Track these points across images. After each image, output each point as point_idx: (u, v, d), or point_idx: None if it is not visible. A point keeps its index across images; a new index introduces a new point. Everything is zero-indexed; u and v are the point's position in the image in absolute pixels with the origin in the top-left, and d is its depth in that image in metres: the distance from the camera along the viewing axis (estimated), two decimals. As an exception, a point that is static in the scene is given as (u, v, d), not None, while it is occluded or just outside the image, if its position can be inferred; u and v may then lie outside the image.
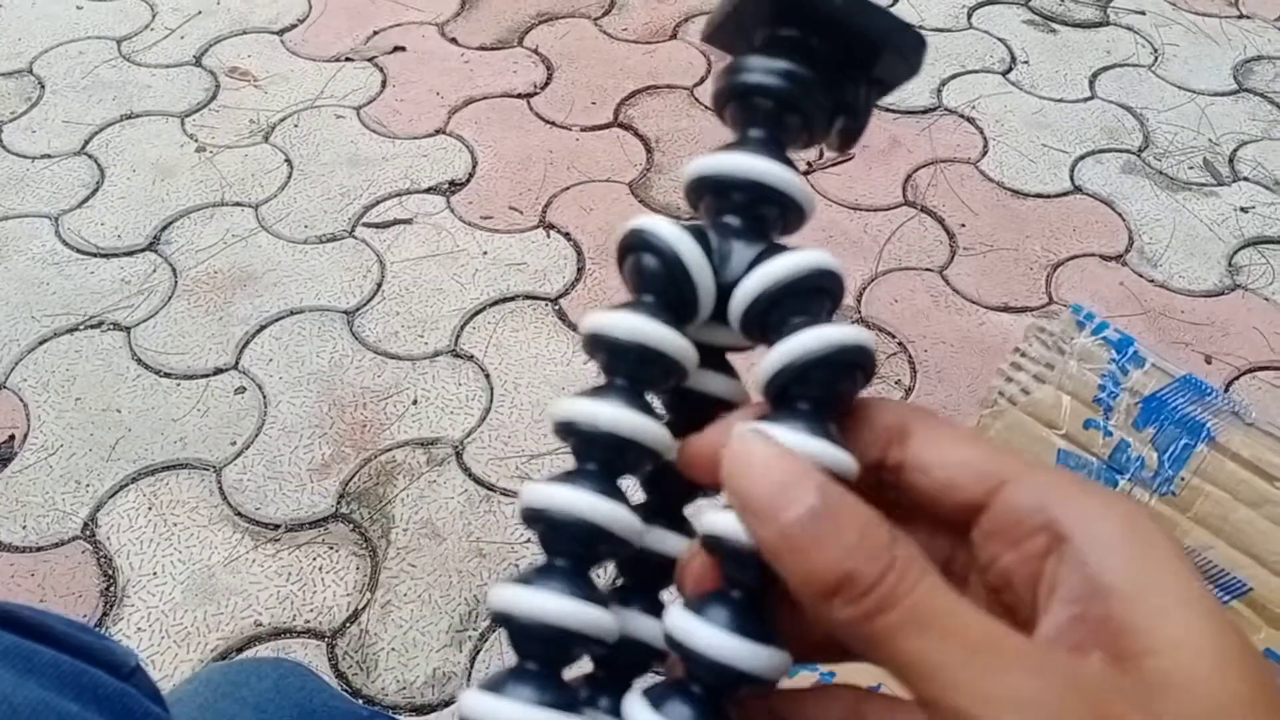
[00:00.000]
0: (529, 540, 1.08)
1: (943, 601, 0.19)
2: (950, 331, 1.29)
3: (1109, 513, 0.20)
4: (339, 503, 1.11)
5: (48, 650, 0.40)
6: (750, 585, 0.23)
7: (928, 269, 1.36)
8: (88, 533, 1.08)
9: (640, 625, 0.27)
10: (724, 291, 0.26)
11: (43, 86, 1.59)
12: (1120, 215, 1.45)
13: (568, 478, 0.25)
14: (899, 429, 0.23)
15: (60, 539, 1.07)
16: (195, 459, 1.14)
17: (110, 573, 1.05)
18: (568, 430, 0.26)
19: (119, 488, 1.11)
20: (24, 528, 1.08)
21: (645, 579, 0.28)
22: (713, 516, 0.24)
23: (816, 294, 0.25)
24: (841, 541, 0.19)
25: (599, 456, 0.25)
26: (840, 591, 0.19)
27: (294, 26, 1.72)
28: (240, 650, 0.99)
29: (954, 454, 0.22)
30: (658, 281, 0.26)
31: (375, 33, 1.71)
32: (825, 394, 0.24)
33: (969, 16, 1.80)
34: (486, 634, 1.01)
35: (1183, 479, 0.49)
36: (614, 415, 0.25)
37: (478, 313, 1.30)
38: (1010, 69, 1.70)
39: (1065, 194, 1.48)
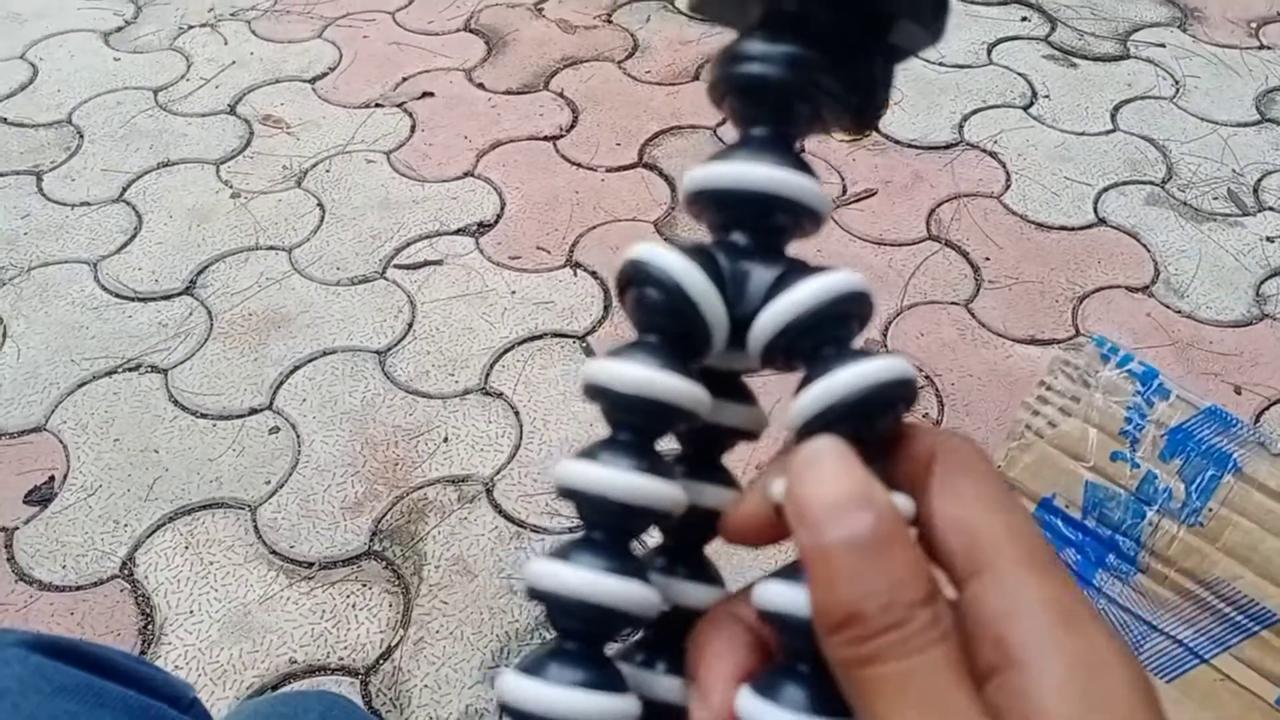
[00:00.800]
0: (559, 577, 1.09)
1: (936, 681, 0.18)
2: (977, 364, 1.29)
3: (1066, 652, 0.19)
4: (372, 540, 1.12)
5: (115, 685, 0.41)
6: (816, 657, 0.21)
7: (953, 303, 1.37)
8: (126, 571, 1.09)
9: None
10: (740, 320, 0.23)
11: (81, 136, 1.63)
12: (1145, 247, 1.45)
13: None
14: (925, 462, 0.22)
15: (99, 578, 1.09)
16: (231, 498, 1.15)
17: (148, 611, 1.06)
18: (572, 495, 0.24)
19: (156, 527, 1.13)
20: (64, 567, 1.10)
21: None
22: (771, 590, 0.22)
23: (845, 320, 0.23)
24: (871, 581, 0.19)
25: (606, 524, 0.23)
26: (843, 629, 0.19)
27: (325, 75, 1.76)
28: (275, 687, 1.00)
29: (952, 510, 0.21)
30: (662, 318, 0.23)
31: (404, 79, 1.75)
32: (867, 434, 0.22)
33: (989, 52, 1.82)
34: (518, 671, 1.02)
35: (1210, 510, 0.49)
36: (625, 482, 0.23)
37: (507, 351, 1.31)
38: (1031, 103, 1.71)
39: (1089, 226, 1.49)
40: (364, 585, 1.08)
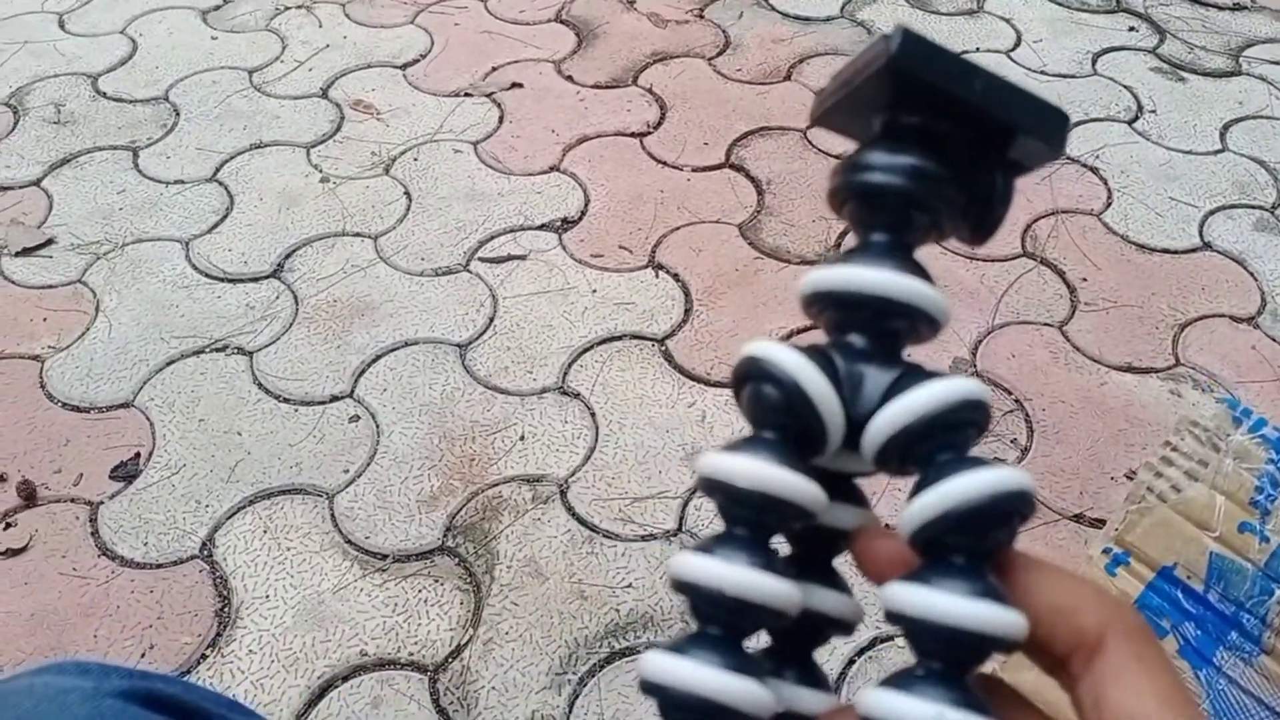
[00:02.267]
0: (630, 585, 1.08)
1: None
2: (1070, 390, 1.25)
3: None
4: (445, 535, 1.12)
5: None
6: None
7: (1046, 324, 1.33)
8: (205, 552, 1.11)
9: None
10: (855, 422, 0.24)
11: (178, 113, 1.66)
12: (1252, 275, 1.40)
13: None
14: (1095, 638, 0.22)
15: (179, 557, 1.11)
16: (309, 485, 1.17)
17: (225, 594, 1.08)
18: (687, 589, 0.24)
19: (237, 509, 1.15)
20: (145, 544, 1.12)
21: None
22: (881, 699, 0.22)
23: (961, 427, 0.23)
24: None
25: (720, 620, 0.24)
26: None
27: (416, 61, 1.77)
28: (346, 679, 1.01)
29: (1132, 709, 0.21)
30: (779, 415, 0.24)
31: (494, 69, 1.75)
32: (983, 545, 0.22)
33: (1094, 62, 1.76)
34: (585, 679, 1.01)
35: (1347, 591, 0.46)
36: (742, 579, 0.23)
37: (585, 351, 1.31)
38: (1137, 118, 1.65)
39: (1194, 250, 1.43)
40: (436, 581, 1.09)
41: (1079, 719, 0.22)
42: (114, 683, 0.40)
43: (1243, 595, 0.48)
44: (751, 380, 0.24)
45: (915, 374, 0.23)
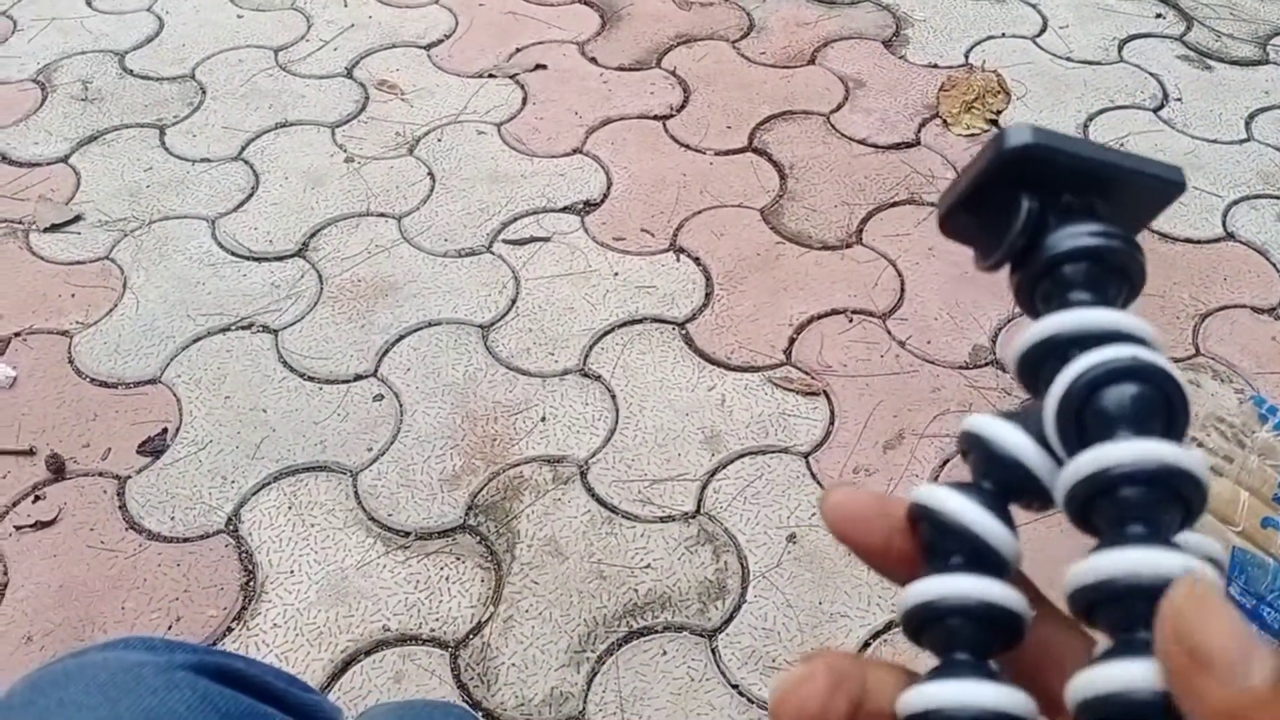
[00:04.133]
0: (649, 566, 1.09)
1: None
2: (1088, 380, 1.25)
3: None
4: (467, 514, 1.14)
5: (276, 713, 0.42)
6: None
7: (1066, 313, 1.33)
8: (231, 527, 1.13)
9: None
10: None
11: (204, 92, 1.67)
12: (1275, 265, 1.39)
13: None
14: None
15: (205, 532, 1.13)
16: (334, 462, 1.18)
17: (250, 568, 1.10)
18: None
19: (262, 485, 1.16)
20: (172, 518, 1.14)
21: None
22: (1096, 675, 0.20)
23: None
24: None
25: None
26: None
27: (440, 41, 1.77)
28: (369, 653, 1.03)
29: None
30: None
31: (518, 50, 1.75)
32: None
33: (1120, 49, 1.75)
34: (604, 657, 1.03)
35: (1367, 586, 0.47)
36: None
37: (607, 333, 1.31)
38: (1162, 106, 1.64)
39: (1216, 240, 1.43)
40: (458, 559, 1.10)
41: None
42: (182, 657, 0.42)
43: (1264, 589, 0.49)
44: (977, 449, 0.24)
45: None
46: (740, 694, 1.00)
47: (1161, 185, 0.24)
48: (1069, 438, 0.22)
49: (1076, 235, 0.24)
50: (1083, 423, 0.22)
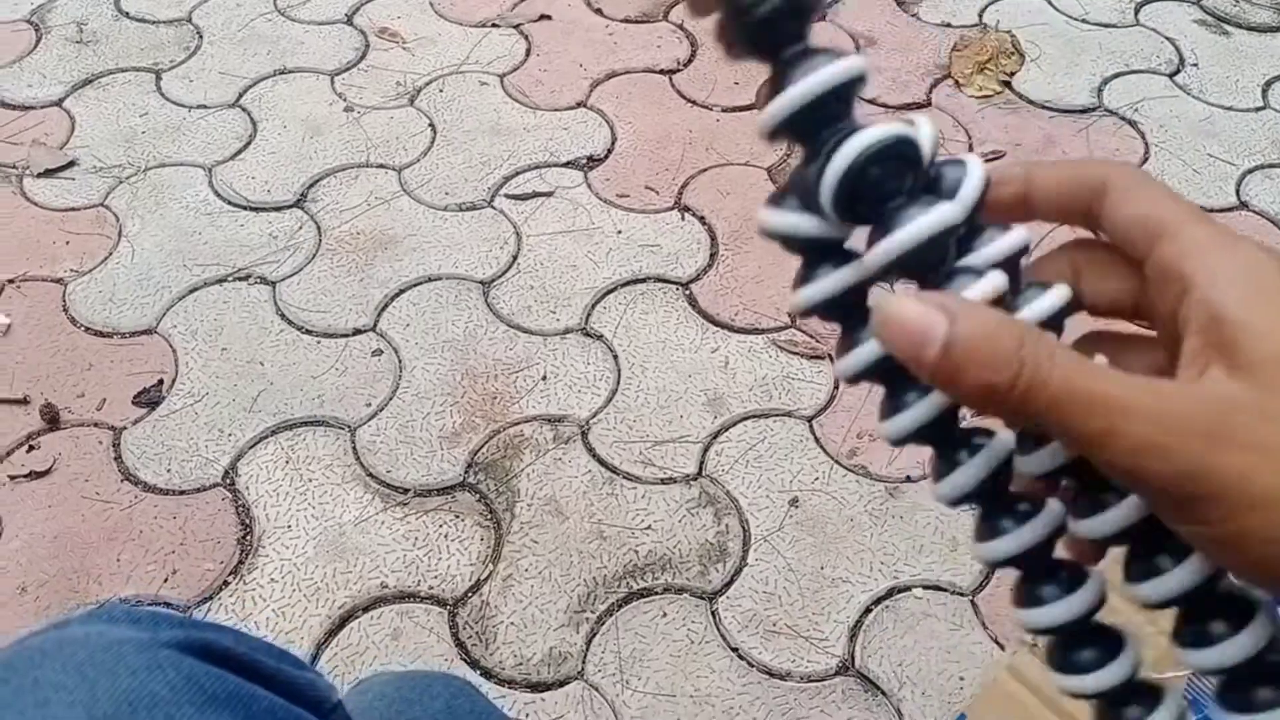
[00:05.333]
0: (649, 527, 1.08)
1: (1077, 377, 0.22)
2: (1096, 348, 1.24)
3: (1231, 260, 0.24)
4: (467, 472, 1.12)
5: (265, 694, 0.41)
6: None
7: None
8: (228, 481, 1.12)
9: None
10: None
11: (201, 36, 1.63)
12: (1288, 236, 1.37)
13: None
14: (1100, 185, 0.28)
15: (202, 484, 1.11)
16: (332, 417, 1.17)
17: (247, 522, 1.09)
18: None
19: (259, 439, 1.15)
20: (168, 470, 1.12)
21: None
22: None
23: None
24: (975, 362, 0.23)
25: None
26: (991, 400, 0.23)
27: (443, -11, 1.73)
28: (366, 610, 1.02)
29: (1132, 210, 0.27)
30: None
31: (522, -1, 1.71)
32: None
33: (1136, 13, 1.72)
34: (604, 618, 1.02)
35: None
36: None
37: (609, 292, 1.30)
38: (1178, 71, 1.61)
39: (1230, 209, 1.41)
40: (457, 516, 1.09)
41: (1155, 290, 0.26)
42: (167, 633, 0.40)
43: None
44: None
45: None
46: (740, 657, 1.00)
47: None
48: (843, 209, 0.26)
49: None
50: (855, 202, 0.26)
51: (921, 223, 0.25)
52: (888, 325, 0.23)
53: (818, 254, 0.28)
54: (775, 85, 0.25)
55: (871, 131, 0.25)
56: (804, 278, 0.28)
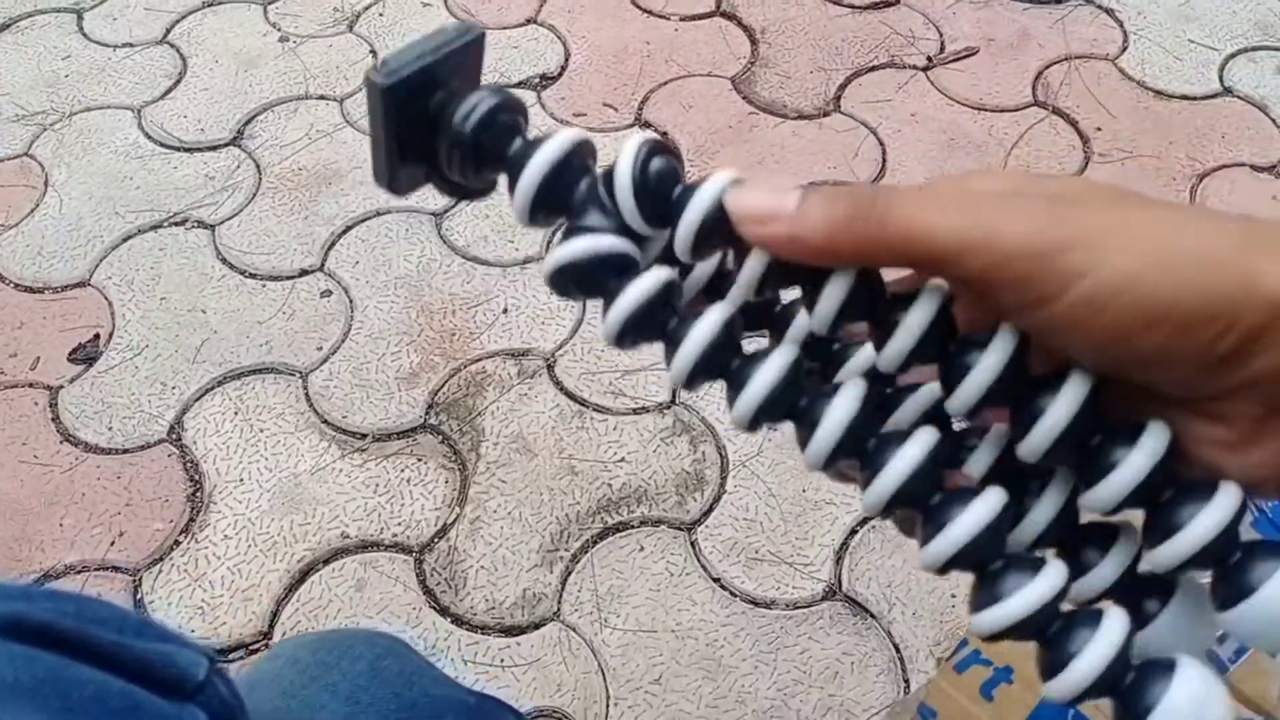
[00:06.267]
0: (622, 460, 1.03)
1: (925, 201, 0.24)
2: (1081, 247, 1.18)
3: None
4: (428, 413, 1.07)
5: (92, 677, 0.34)
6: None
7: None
8: (174, 436, 1.05)
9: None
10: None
11: (124, -29, 1.53)
12: (1274, 121, 1.31)
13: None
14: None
15: (146, 441, 1.05)
16: (281, 363, 1.10)
17: (196, 478, 1.03)
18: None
19: (205, 391, 1.08)
20: (110, 429, 1.06)
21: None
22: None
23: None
24: (814, 222, 0.25)
25: None
26: (852, 232, 0.25)
27: (378, -93, 1.63)
28: (327, 562, 0.97)
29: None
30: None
31: (463, -86, 1.61)
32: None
33: (1109, -105, 1.63)
34: (578, 555, 0.97)
35: None
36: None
37: (570, 216, 1.23)
38: (1155, -45, 1.53)
39: (1213, 96, 1.34)
40: (419, 460, 1.04)
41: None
42: None
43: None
44: None
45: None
46: (722, 587, 0.95)
47: (475, 44, 0.29)
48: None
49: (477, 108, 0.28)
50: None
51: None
52: (745, 206, 0.26)
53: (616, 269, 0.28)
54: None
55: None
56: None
